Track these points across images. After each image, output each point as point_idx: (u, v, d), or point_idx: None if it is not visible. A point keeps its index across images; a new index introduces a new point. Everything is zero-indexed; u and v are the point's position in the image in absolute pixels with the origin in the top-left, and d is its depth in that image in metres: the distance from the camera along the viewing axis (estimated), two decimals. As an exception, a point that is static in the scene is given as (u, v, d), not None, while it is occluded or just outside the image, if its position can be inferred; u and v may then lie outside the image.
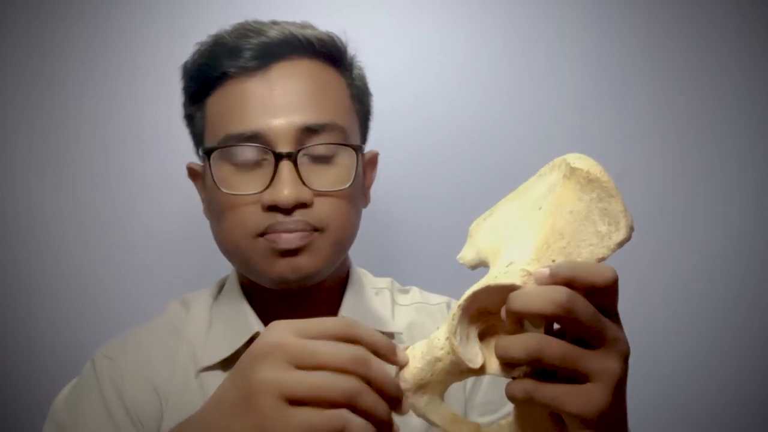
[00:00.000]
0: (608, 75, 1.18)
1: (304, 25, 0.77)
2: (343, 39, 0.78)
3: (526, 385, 0.47)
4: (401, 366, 0.50)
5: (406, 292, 0.87)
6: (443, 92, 1.16)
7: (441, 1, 1.16)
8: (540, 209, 0.50)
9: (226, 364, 0.75)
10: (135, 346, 0.78)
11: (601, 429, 0.47)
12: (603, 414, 0.46)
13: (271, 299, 0.76)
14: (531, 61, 1.17)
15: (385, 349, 0.49)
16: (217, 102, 0.74)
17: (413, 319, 0.82)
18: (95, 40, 1.12)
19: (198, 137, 0.77)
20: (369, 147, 0.82)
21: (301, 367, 0.46)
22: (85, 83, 1.12)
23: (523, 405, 0.49)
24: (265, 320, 0.76)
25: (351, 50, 0.79)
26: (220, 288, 0.82)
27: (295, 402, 0.45)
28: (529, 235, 0.48)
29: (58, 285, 1.13)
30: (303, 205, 0.70)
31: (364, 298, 0.80)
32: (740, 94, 1.18)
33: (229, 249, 0.74)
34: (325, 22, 1.11)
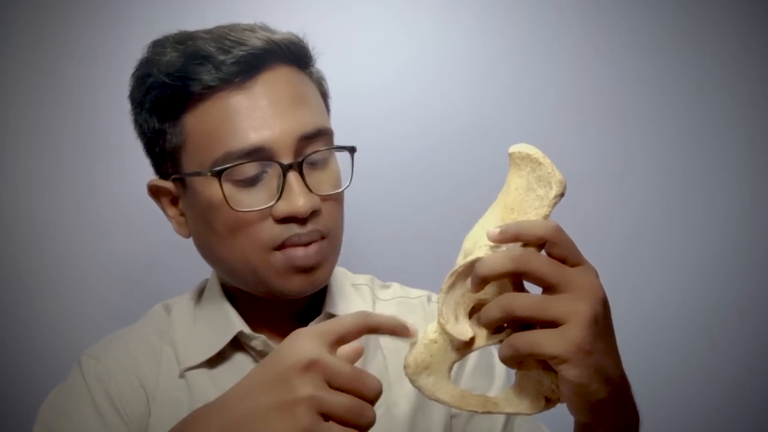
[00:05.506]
0: (608, 75, 1.18)
1: (266, 28, 0.75)
2: (303, 38, 0.77)
3: (509, 341, 0.52)
4: (414, 335, 0.56)
5: (387, 287, 0.88)
6: (442, 93, 1.16)
7: (440, 1, 1.16)
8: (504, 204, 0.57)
9: (211, 363, 0.76)
10: (120, 345, 0.78)
11: (591, 368, 0.50)
12: (581, 351, 0.50)
13: (255, 300, 0.76)
14: (530, 61, 1.17)
15: (400, 329, 0.56)
16: (200, 118, 0.71)
17: (394, 313, 0.82)
18: (95, 40, 1.12)
19: (169, 154, 0.74)
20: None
21: (335, 386, 0.52)
22: (86, 83, 1.13)
23: (521, 368, 0.55)
24: (248, 320, 0.77)
25: (311, 49, 0.77)
26: (201, 291, 0.82)
27: (325, 417, 0.51)
28: (492, 222, 0.55)
29: (57, 286, 1.13)
30: (314, 213, 0.71)
31: (344, 295, 0.81)
32: (740, 94, 1.18)
33: (238, 266, 0.73)
34: (324, 23, 1.12)
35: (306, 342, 0.53)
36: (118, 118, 1.06)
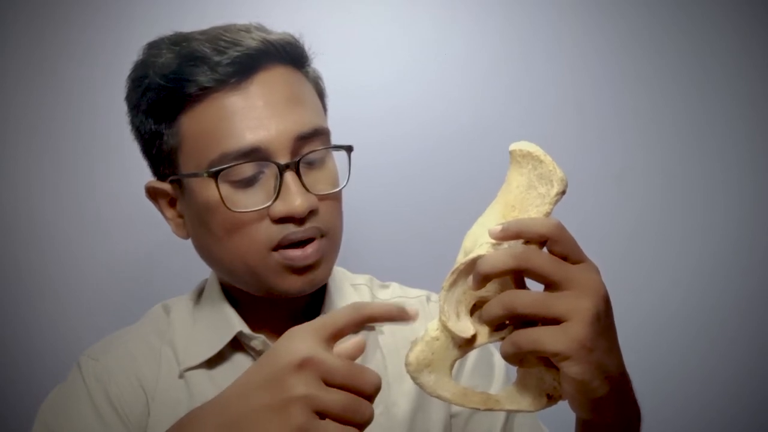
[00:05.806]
0: (608, 75, 1.18)
1: (261, 28, 0.75)
2: (299, 37, 0.76)
3: (512, 338, 0.52)
4: (414, 319, 0.55)
5: (387, 287, 0.88)
6: (442, 93, 1.16)
7: (440, 1, 1.16)
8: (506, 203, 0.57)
9: (211, 363, 0.76)
10: (119, 346, 0.78)
11: (593, 365, 0.50)
12: (583, 348, 0.50)
13: (254, 300, 0.76)
14: (530, 61, 1.17)
15: (397, 314, 0.55)
16: (196, 120, 0.70)
17: None
18: (95, 40, 1.12)
19: (166, 156, 0.74)
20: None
21: (331, 384, 0.51)
22: (86, 83, 1.13)
23: (523, 365, 0.55)
24: (248, 320, 0.76)
25: (307, 49, 0.77)
26: (200, 292, 0.82)
27: (321, 415, 0.50)
28: (493, 220, 0.55)
29: (57, 286, 1.13)
30: (312, 213, 0.71)
31: (343, 295, 0.81)
32: (740, 94, 1.18)
33: (236, 267, 0.73)
34: (324, 23, 1.13)
35: (300, 340, 0.52)
36: (117, 119, 1.06)
